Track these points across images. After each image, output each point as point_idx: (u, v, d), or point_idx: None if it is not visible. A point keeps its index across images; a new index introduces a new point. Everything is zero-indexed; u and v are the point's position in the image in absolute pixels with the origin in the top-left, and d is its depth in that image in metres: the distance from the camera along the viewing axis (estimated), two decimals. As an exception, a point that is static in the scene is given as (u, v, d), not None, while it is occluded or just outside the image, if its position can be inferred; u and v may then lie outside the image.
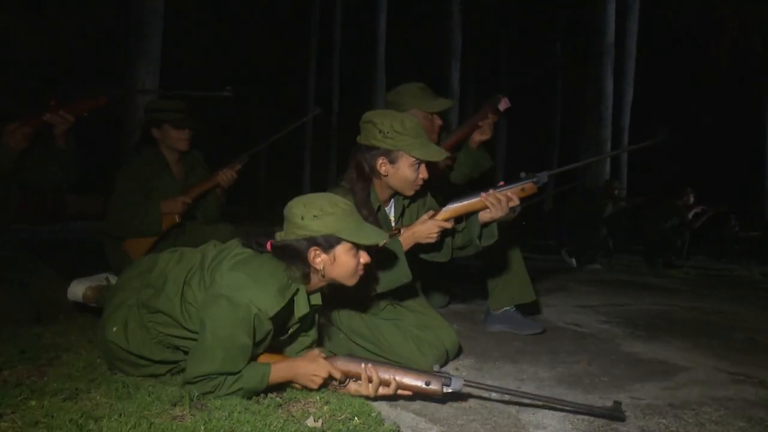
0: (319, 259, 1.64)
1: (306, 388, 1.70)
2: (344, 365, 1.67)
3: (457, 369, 2.09)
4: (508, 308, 2.67)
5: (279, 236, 1.68)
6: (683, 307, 3.58)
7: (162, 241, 2.71)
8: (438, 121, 2.56)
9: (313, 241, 1.63)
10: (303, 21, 14.25)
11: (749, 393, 1.95)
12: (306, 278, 1.66)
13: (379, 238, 1.66)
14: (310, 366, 1.65)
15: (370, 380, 1.64)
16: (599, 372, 2.13)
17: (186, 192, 2.76)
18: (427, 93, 2.54)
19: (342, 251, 1.64)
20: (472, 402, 1.77)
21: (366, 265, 1.70)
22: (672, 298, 3.93)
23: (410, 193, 2.07)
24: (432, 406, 1.72)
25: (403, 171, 1.99)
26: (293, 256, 1.63)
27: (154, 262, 1.82)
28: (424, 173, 2.02)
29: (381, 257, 1.95)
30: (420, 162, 2.00)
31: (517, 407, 1.74)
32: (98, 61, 9.96)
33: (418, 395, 1.67)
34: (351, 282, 1.70)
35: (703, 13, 10.87)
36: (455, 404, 1.74)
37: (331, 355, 1.72)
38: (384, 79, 11.78)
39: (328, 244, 1.63)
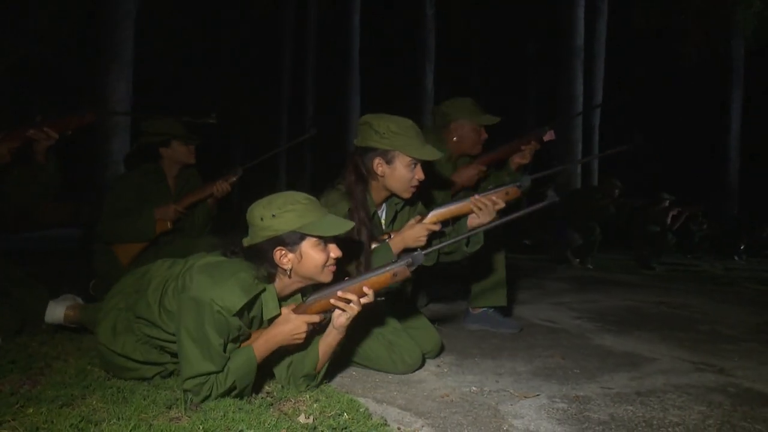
0: (286, 258, 1.65)
1: (297, 348, 1.75)
2: (316, 307, 1.70)
3: (438, 366, 2.19)
4: (486, 308, 2.78)
5: (245, 241, 1.70)
6: (651, 302, 3.75)
7: (152, 247, 2.77)
8: (484, 135, 2.71)
9: (277, 241, 1.64)
10: (276, 22, 14.23)
11: (709, 380, 2.09)
12: (271, 278, 1.69)
13: (344, 228, 1.67)
14: (286, 327, 1.68)
15: (348, 302, 1.69)
16: (572, 365, 2.25)
17: (179, 201, 2.83)
18: (476, 107, 2.70)
19: (308, 247, 1.65)
20: (454, 396, 1.87)
21: (337, 259, 1.71)
22: (641, 294, 4.10)
23: (407, 195, 2.11)
24: (417, 401, 1.81)
25: (400, 171, 2.05)
26: (260, 258, 1.66)
27: (148, 269, 1.88)
28: (420, 174, 2.07)
29: (372, 264, 2.02)
30: (416, 162, 2.06)
31: (496, 399, 1.85)
32: (69, 67, 9.81)
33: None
34: (324, 278, 1.70)
35: (670, 16, 11.20)
36: (438, 399, 1.84)
37: (299, 304, 1.73)
38: (358, 82, 11.83)
39: (292, 241, 1.64)
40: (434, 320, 2.69)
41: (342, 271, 1.82)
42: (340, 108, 11.75)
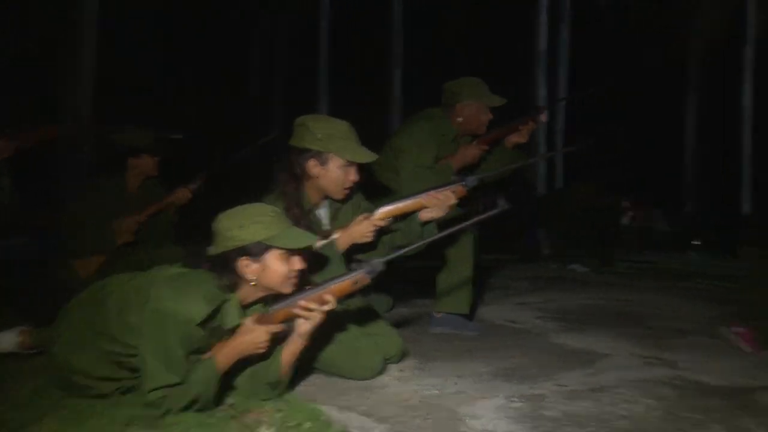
0: (249, 269, 1.69)
1: (260, 357, 1.78)
2: (279, 316, 1.74)
3: (401, 370, 2.23)
4: (448, 312, 2.84)
5: (210, 250, 1.74)
6: (610, 299, 3.85)
7: (113, 260, 2.76)
8: (489, 115, 2.82)
9: (242, 251, 1.68)
10: (243, 25, 14.11)
11: (659, 374, 2.19)
12: (234, 288, 1.73)
13: (309, 241, 1.73)
14: (249, 337, 1.71)
15: (311, 310, 1.73)
16: (531, 364, 2.32)
17: (140, 211, 2.84)
18: (484, 88, 2.79)
19: (272, 258, 1.69)
20: (415, 400, 1.91)
21: (299, 271, 1.75)
22: (601, 292, 4.19)
23: (340, 196, 2.17)
24: (378, 406, 1.85)
25: (333, 172, 2.10)
26: (224, 267, 1.70)
27: (105, 283, 1.88)
28: (353, 176, 2.13)
29: (318, 261, 2.06)
30: (350, 164, 2.12)
31: (456, 401, 1.90)
32: (26, 77, 9.55)
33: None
34: (286, 289, 1.74)
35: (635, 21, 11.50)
36: (399, 403, 1.88)
37: (262, 314, 1.76)
38: (327, 86, 11.82)
39: (257, 252, 1.69)
40: (398, 324, 2.75)
41: (304, 281, 1.86)
42: (309, 112, 11.69)
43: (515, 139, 2.89)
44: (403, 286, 3.38)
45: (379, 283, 2.94)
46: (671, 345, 2.63)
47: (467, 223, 1.95)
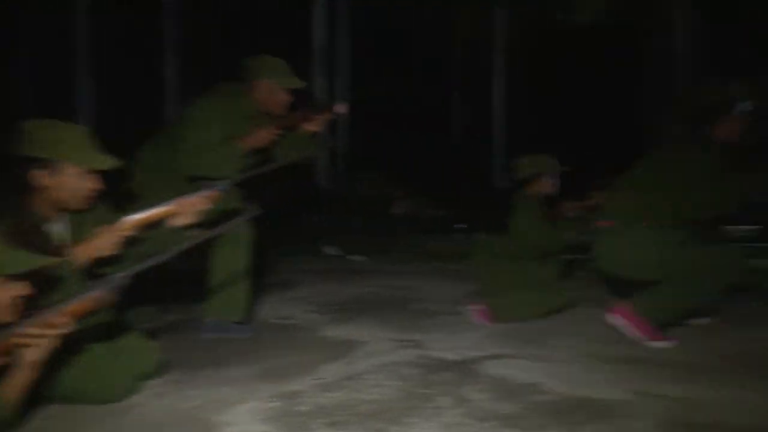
0: None
1: None
2: None
3: (159, 385, 2.12)
4: (219, 318, 2.78)
5: None
6: (381, 287, 4.16)
7: None
8: (287, 97, 2.80)
9: None
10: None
11: (408, 355, 2.44)
12: None
13: (31, 264, 1.56)
14: None
15: (38, 336, 1.56)
16: (295, 361, 2.40)
17: None
18: (284, 68, 2.80)
19: None
20: (169, 417, 1.84)
21: (24, 298, 1.57)
22: (374, 280, 4.50)
23: (80, 206, 2.00)
24: (126, 431, 1.74)
25: (68, 182, 1.92)
26: None
27: None
28: (92, 183, 1.97)
29: (52, 280, 1.86)
30: (88, 172, 1.96)
31: (213, 410, 1.88)
32: None
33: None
34: (7, 319, 1.56)
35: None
36: (151, 422, 1.80)
37: None
38: (89, 76, 10.52)
39: None
40: (164, 333, 2.62)
41: (31, 305, 1.66)
42: (66, 108, 10.31)
43: (310, 128, 2.95)
44: (173, 292, 3.21)
45: (144, 292, 2.78)
46: (422, 326, 2.95)
47: (218, 230, 1.93)
